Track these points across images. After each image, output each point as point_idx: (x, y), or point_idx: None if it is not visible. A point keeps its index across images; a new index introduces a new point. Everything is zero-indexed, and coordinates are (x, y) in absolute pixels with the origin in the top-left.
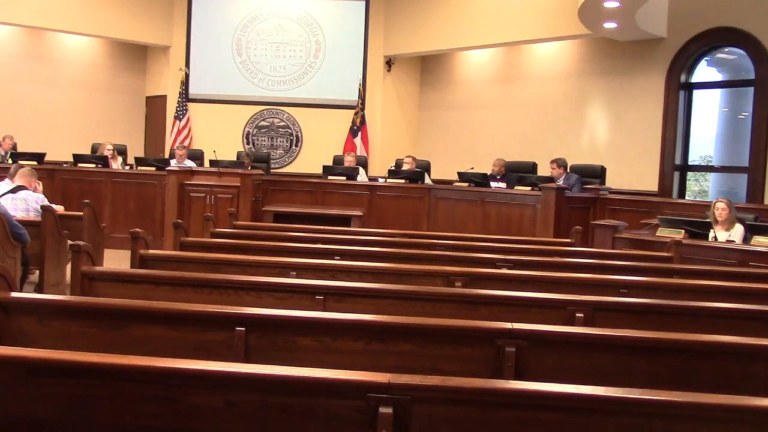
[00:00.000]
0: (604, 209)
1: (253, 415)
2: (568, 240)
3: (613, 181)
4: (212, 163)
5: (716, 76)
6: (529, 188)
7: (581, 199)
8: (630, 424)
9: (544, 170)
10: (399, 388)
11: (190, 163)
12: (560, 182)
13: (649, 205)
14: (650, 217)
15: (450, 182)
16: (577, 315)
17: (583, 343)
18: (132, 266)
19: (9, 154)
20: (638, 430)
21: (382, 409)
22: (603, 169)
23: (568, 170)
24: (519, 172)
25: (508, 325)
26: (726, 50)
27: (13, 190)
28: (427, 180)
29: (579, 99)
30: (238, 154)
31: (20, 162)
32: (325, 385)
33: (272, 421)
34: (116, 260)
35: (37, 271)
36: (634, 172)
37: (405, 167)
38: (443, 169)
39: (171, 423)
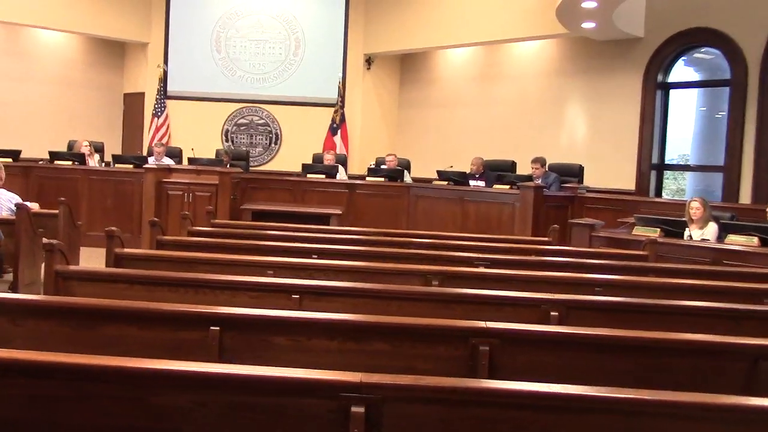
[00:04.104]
0: (581, 208)
1: (223, 416)
2: (546, 238)
3: (590, 179)
4: (191, 160)
5: (693, 75)
6: (508, 187)
7: (559, 198)
8: (602, 422)
9: (522, 169)
10: (371, 388)
11: (168, 161)
12: (539, 181)
13: (626, 203)
14: (627, 215)
15: (429, 180)
16: (552, 313)
17: (556, 342)
18: (107, 265)
19: None
20: (610, 429)
21: (354, 409)
22: (581, 168)
23: (547, 169)
24: (498, 171)
25: (482, 324)
26: (703, 50)
27: None
28: (407, 178)
29: (557, 98)
30: (217, 152)
31: None
32: (297, 384)
33: (243, 421)
34: (93, 259)
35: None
36: (611, 170)
37: (388, 165)
38: (423, 168)
39: (139, 423)
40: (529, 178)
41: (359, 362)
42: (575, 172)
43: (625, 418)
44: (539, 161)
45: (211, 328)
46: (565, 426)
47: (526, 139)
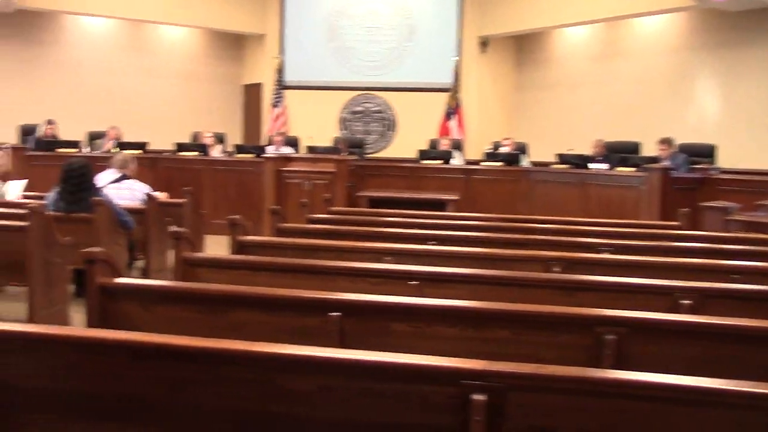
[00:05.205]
0: (713, 190)
1: (347, 400)
2: (675, 223)
3: (723, 159)
4: (308, 149)
5: None
6: (632, 169)
7: (688, 180)
8: (738, 418)
9: (647, 150)
10: (493, 376)
11: (287, 150)
12: (666, 162)
13: (765, 185)
14: (766, 197)
15: (548, 164)
16: (684, 302)
17: (689, 332)
18: (231, 252)
19: (115, 144)
20: (746, 425)
21: (476, 396)
22: (712, 148)
23: (675, 149)
24: (621, 153)
25: (608, 312)
26: None
27: (118, 180)
28: (525, 162)
29: (685, 74)
30: (334, 140)
31: (123, 152)
32: (418, 371)
33: (366, 406)
34: (217, 246)
35: (143, 257)
36: (747, 149)
37: (504, 149)
38: (541, 151)
39: (268, 406)
40: (655, 159)
41: (480, 349)
42: (706, 152)
43: (764, 414)
44: (666, 141)
45: (332, 313)
46: (698, 421)
47: (651, 118)
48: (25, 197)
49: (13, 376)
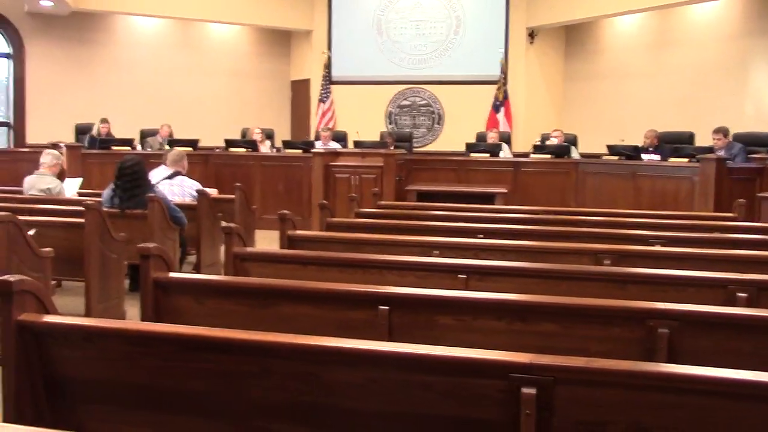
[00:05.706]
0: None
1: (395, 393)
2: (731, 214)
3: None
4: (356, 144)
5: None
6: (686, 160)
7: (745, 170)
8: None
9: (701, 140)
10: (541, 369)
11: (334, 145)
12: (721, 152)
13: None
14: None
15: (598, 156)
16: (739, 295)
17: (743, 325)
18: (281, 247)
19: (166, 141)
20: None
21: (525, 390)
22: None
23: (730, 139)
24: (674, 143)
25: (660, 305)
26: None
27: (170, 176)
28: (574, 154)
29: (742, 61)
30: (381, 134)
31: (176, 148)
32: (465, 364)
33: (413, 398)
34: (267, 240)
35: (195, 252)
36: None
37: (553, 141)
38: (591, 143)
39: (315, 398)
40: (710, 149)
41: (528, 343)
42: (764, 142)
43: None
44: (721, 131)
45: (380, 307)
46: (756, 416)
47: (706, 108)
48: (81, 194)
49: (72, 368)
